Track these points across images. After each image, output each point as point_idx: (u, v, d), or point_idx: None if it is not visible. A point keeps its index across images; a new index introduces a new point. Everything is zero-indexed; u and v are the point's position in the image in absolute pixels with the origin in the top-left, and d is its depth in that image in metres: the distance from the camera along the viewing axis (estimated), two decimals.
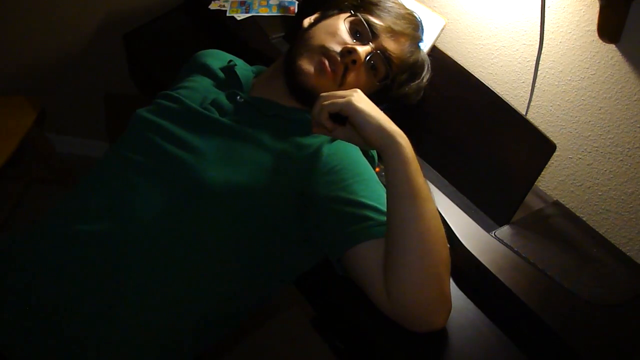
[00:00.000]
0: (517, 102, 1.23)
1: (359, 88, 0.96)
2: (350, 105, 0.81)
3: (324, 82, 0.93)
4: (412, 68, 1.03)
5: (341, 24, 0.97)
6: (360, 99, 0.82)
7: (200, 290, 0.82)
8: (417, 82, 1.04)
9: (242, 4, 1.41)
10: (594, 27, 1.05)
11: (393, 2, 1.03)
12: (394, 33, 0.98)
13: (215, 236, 0.83)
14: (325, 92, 0.86)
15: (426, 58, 1.07)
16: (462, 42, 1.30)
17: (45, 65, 1.91)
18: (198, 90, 1.00)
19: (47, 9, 1.79)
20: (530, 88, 1.17)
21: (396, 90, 1.03)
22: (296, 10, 1.39)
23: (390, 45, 0.98)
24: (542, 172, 1.03)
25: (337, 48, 0.94)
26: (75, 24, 1.82)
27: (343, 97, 0.82)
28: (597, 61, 1.09)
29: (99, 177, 0.91)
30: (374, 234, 0.81)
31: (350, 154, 0.89)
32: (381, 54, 0.97)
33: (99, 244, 0.81)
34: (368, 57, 0.96)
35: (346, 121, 0.85)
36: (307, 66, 0.93)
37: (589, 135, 1.14)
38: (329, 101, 0.82)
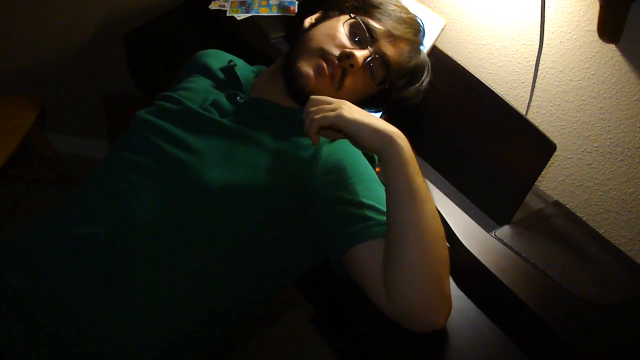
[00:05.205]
0: (517, 102, 1.23)
1: (356, 92, 0.97)
2: (341, 118, 0.80)
3: (322, 85, 0.93)
4: (411, 72, 1.02)
5: (341, 26, 0.97)
6: (350, 110, 0.81)
7: (200, 291, 0.82)
8: (416, 86, 1.03)
9: (242, 4, 1.41)
10: (594, 27, 1.05)
11: (395, 5, 1.02)
12: (393, 38, 0.98)
13: (215, 237, 0.83)
14: (323, 94, 0.86)
15: (426, 61, 1.06)
16: (462, 42, 1.30)
17: (45, 65, 1.91)
18: (198, 91, 0.99)
19: (47, 9, 1.79)
20: (530, 88, 1.17)
21: (395, 94, 1.02)
22: (296, 10, 1.39)
23: (389, 50, 0.97)
24: (542, 172, 1.03)
25: (336, 51, 0.94)
26: (75, 23, 1.82)
27: (333, 110, 0.81)
28: (597, 61, 1.09)
29: (99, 179, 0.91)
30: (373, 233, 0.81)
31: (350, 153, 0.89)
32: (380, 58, 0.96)
33: (100, 245, 0.81)
34: (366, 61, 0.95)
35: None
36: (306, 69, 0.93)
37: (589, 135, 1.14)
38: (320, 115, 0.81)
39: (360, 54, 0.94)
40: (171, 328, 0.81)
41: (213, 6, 1.41)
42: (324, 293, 0.94)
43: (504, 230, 0.99)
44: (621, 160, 1.10)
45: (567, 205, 1.13)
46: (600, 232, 1.08)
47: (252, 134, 0.90)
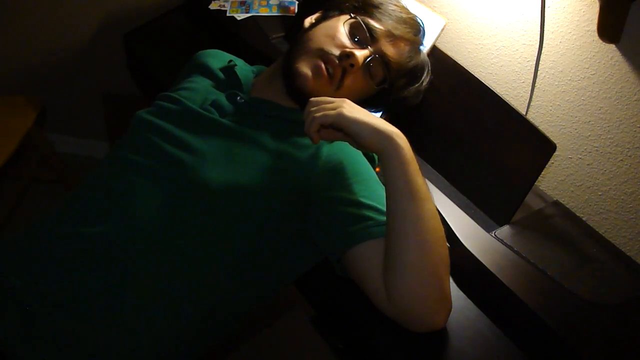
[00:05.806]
0: (517, 102, 1.23)
1: (356, 91, 0.97)
2: (341, 117, 0.80)
3: (320, 85, 0.93)
4: (411, 72, 1.02)
5: (341, 26, 0.97)
6: (351, 109, 0.81)
7: (200, 291, 0.83)
8: (416, 86, 1.03)
9: (242, 4, 1.41)
10: (594, 27, 1.05)
11: (395, 5, 1.02)
12: (393, 37, 0.98)
13: (215, 236, 0.83)
14: (322, 95, 0.85)
15: (426, 61, 1.06)
16: (462, 42, 1.30)
17: (45, 65, 1.91)
18: (198, 91, 0.99)
19: (47, 9, 1.79)
20: (530, 88, 1.17)
21: (395, 94, 1.02)
22: (296, 10, 1.39)
23: (389, 50, 0.97)
24: (542, 172, 1.03)
25: (336, 51, 0.94)
26: (75, 24, 1.82)
27: (333, 108, 0.81)
28: (597, 61, 1.09)
29: (99, 179, 0.91)
30: (373, 234, 0.81)
31: (350, 154, 0.89)
32: (380, 58, 0.96)
33: (100, 245, 0.81)
34: (366, 61, 0.95)
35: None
36: (305, 69, 0.93)
37: (589, 135, 1.14)
38: (321, 113, 0.81)
39: (361, 53, 0.94)
40: (171, 327, 0.81)
41: (213, 6, 1.41)
42: (324, 293, 0.94)
43: (504, 230, 0.99)
44: (621, 160, 1.10)
45: (567, 205, 1.13)
46: (600, 232, 1.08)
47: (252, 134, 0.90)
